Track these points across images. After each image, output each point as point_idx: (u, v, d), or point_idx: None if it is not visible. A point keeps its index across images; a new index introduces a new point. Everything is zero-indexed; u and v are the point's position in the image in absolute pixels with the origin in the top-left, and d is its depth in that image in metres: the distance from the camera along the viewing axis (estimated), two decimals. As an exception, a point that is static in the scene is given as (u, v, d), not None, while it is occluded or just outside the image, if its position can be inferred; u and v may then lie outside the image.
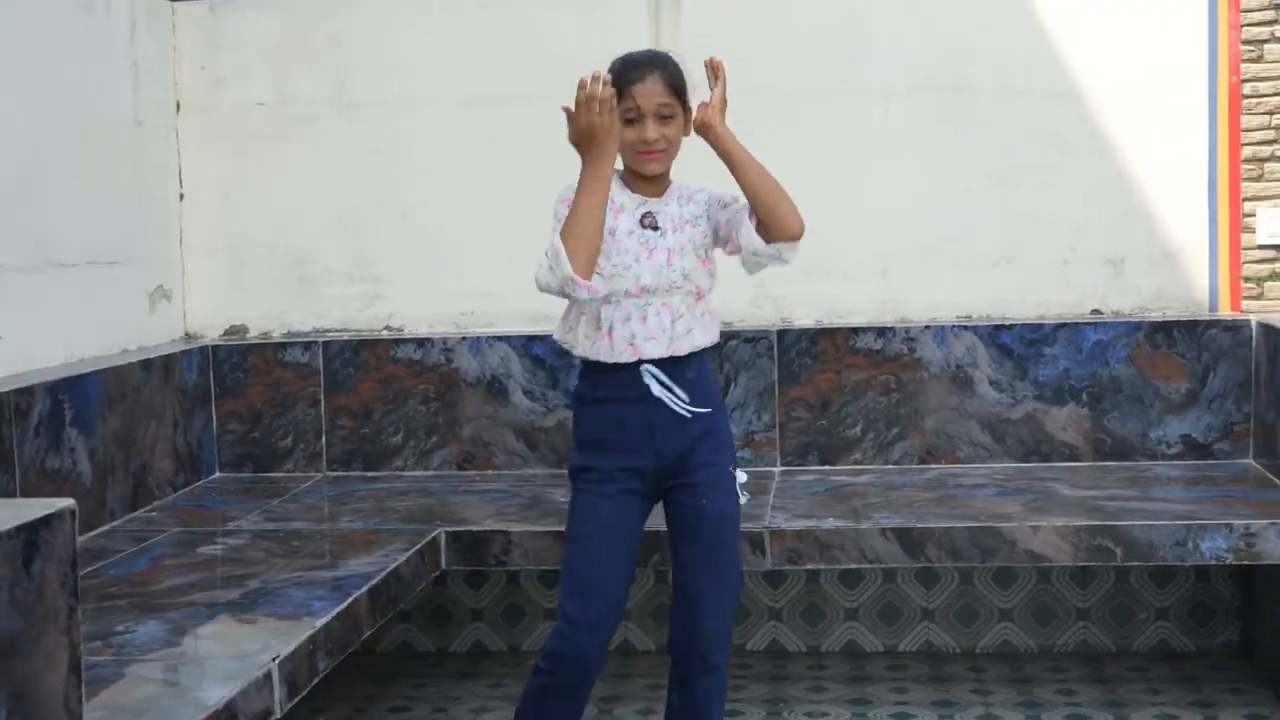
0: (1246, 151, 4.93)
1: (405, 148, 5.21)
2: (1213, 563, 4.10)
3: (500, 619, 5.14)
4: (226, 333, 5.28)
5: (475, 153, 5.18)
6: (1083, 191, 5.02)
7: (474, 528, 4.28)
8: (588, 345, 3.54)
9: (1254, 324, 4.84)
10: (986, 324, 4.96)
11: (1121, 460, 4.90)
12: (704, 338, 3.57)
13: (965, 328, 4.95)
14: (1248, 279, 4.96)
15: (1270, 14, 4.90)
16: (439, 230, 5.21)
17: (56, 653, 2.14)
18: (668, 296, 3.52)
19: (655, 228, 3.54)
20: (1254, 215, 4.94)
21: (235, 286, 5.28)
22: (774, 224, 3.48)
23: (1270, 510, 4.18)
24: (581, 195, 3.43)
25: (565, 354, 4.92)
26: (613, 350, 3.50)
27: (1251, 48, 4.91)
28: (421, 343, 5.10)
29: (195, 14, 5.23)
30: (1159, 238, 5.00)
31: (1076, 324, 4.93)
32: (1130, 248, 5.02)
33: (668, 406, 3.51)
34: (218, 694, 2.78)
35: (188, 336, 5.26)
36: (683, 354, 3.52)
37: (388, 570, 3.76)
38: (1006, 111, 5.02)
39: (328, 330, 5.25)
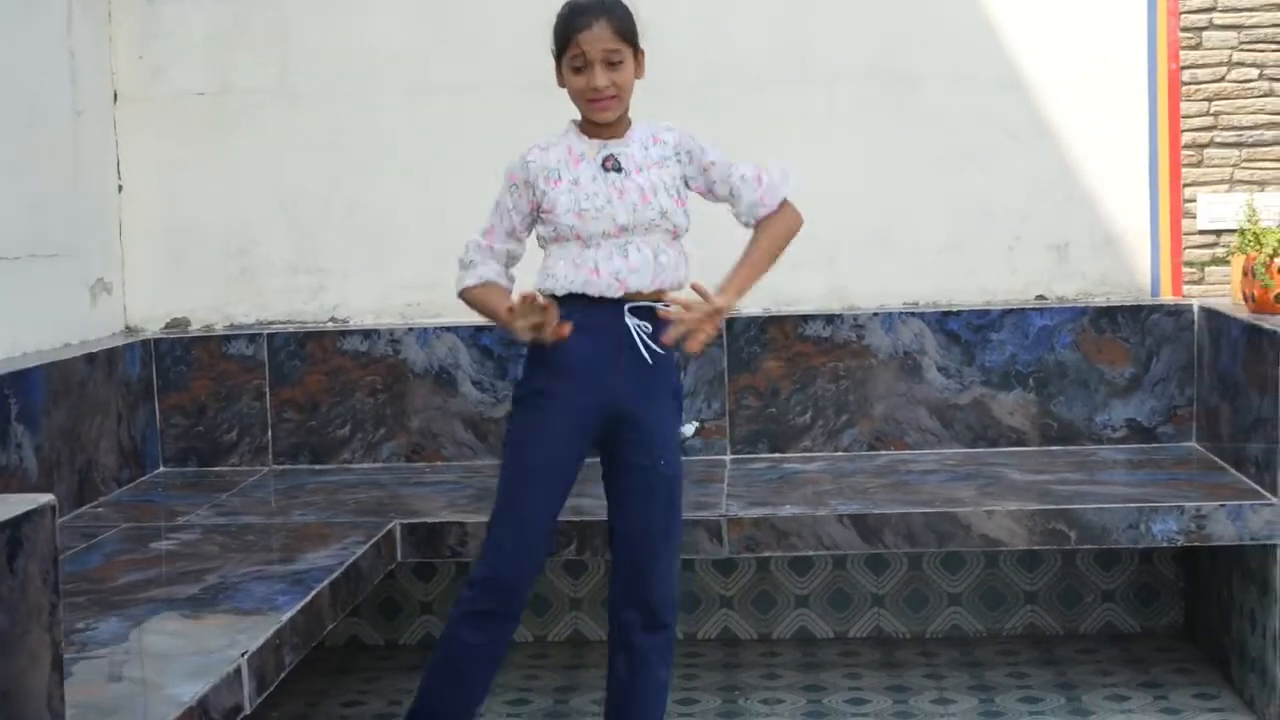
0: (1186, 138, 4.98)
1: (350, 137, 5.15)
2: (1164, 545, 4.16)
3: (450, 610, 5.09)
4: (168, 325, 5.20)
5: (422, 142, 5.14)
6: (1027, 178, 5.05)
7: (429, 519, 4.25)
8: (572, 280, 3.50)
9: (1196, 308, 4.89)
10: (934, 310, 4.98)
11: (1067, 444, 4.95)
12: (682, 274, 3.58)
13: (913, 314, 4.98)
14: (1189, 264, 5.02)
15: (1208, 1, 4.96)
16: (385, 220, 5.16)
17: (40, 651, 2.10)
18: (646, 234, 3.51)
19: (618, 169, 3.52)
20: (1194, 201, 4.99)
21: (176, 278, 5.20)
22: None
23: (1218, 493, 4.23)
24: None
25: (514, 344, 4.94)
26: (600, 284, 3.49)
27: (1190, 35, 4.96)
28: (368, 334, 5.06)
29: (132, 2, 5.13)
30: (1102, 224, 5.05)
31: (1023, 310, 4.97)
32: (1074, 234, 5.06)
33: (637, 350, 3.50)
34: (190, 690, 2.73)
35: (128, 330, 5.18)
36: (667, 287, 3.53)
37: (347, 563, 3.73)
38: (952, 99, 5.05)
39: (272, 322, 5.18)
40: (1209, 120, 4.98)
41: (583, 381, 3.51)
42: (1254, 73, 4.96)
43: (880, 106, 5.07)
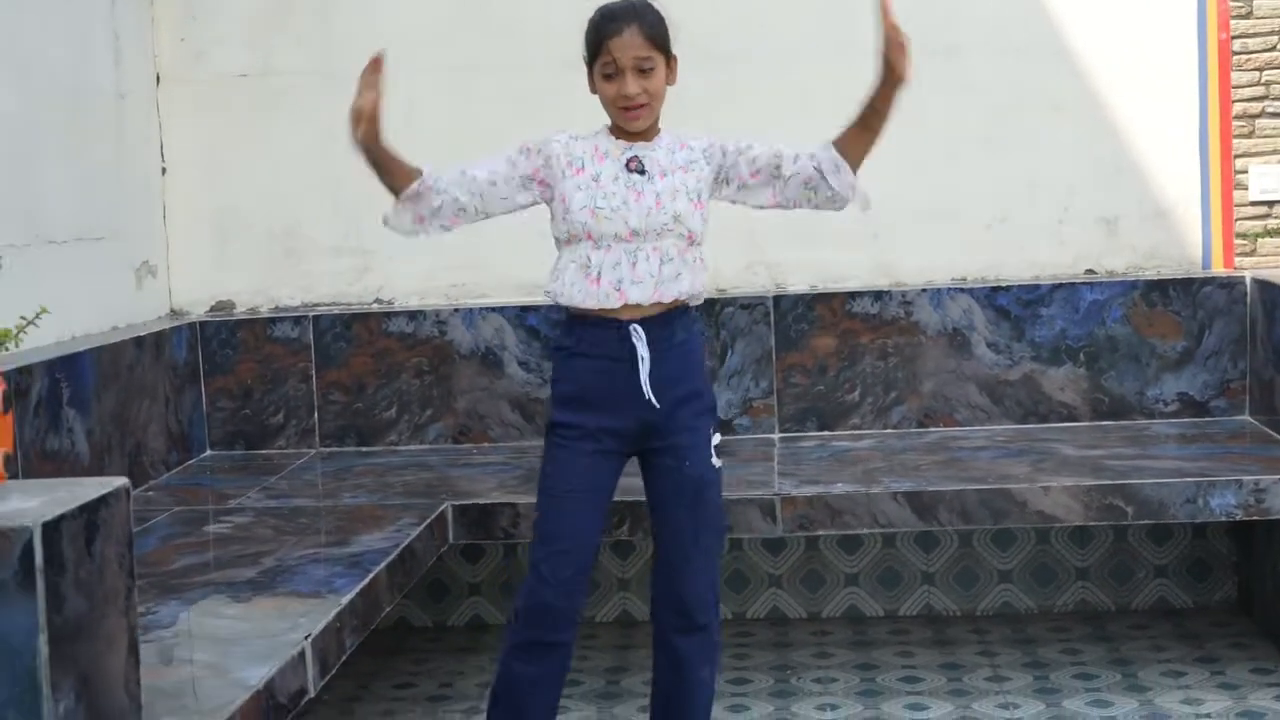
0: (1237, 108, 4.94)
1: (392, 117, 5.06)
2: (1223, 519, 4.12)
3: (499, 592, 5.09)
4: (213, 308, 5.19)
5: (464, 121, 5.11)
6: (1075, 150, 5.01)
7: (480, 501, 4.23)
8: (574, 292, 3.44)
9: (1249, 280, 4.85)
10: (982, 286, 4.95)
11: (1119, 419, 4.91)
12: (692, 283, 3.48)
13: (961, 290, 4.94)
14: (1240, 235, 4.97)
15: (1259, -31, 4.91)
16: (428, 201, 5.13)
17: (117, 635, 2.09)
18: (658, 240, 3.43)
19: (641, 171, 3.45)
20: (1246, 172, 4.95)
21: (220, 261, 5.20)
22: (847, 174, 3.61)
23: (1277, 466, 4.19)
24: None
25: (558, 324, 4.91)
26: (598, 295, 3.41)
27: (1240, 3, 4.92)
28: (414, 315, 5.04)
29: (174, -17, 5.13)
30: (1152, 196, 5.01)
31: (1072, 284, 4.92)
32: (1123, 206, 5.02)
33: (652, 365, 3.42)
34: (256, 674, 2.73)
35: (173, 313, 5.18)
36: (668, 300, 3.43)
37: (402, 546, 3.71)
38: (997, 70, 5.01)
39: (317, 304, 5.17)
40: (1260, 90, 4.93)
41: (600, 410, 3.45)
42: (1305, 42, 4.91)
43: (924, 78, 4.97)
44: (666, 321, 3.45)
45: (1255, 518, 4.11)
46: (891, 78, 3.53)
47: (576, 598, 3.47)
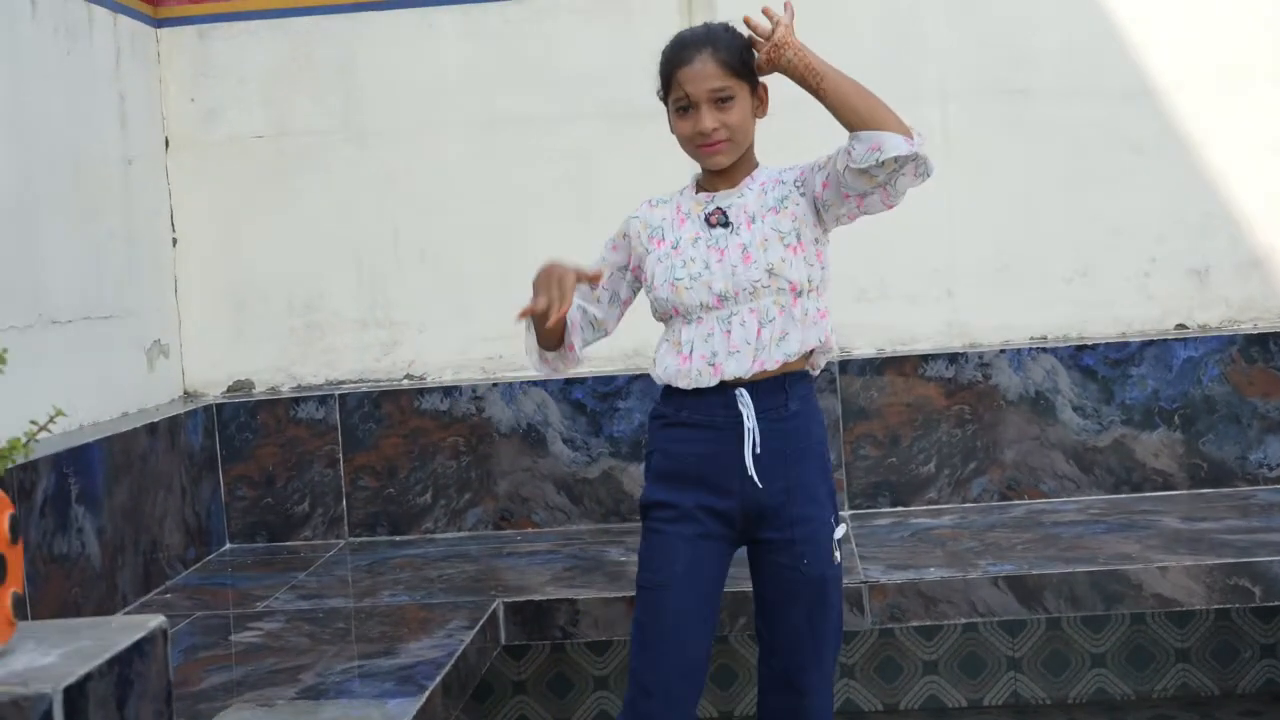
0: (1335, 146, 4.57)
1: (420, 179, 4.76)
2: (1361, 599, 3.72)
3: (545, 690, 4.67)
4: (230, 389, 4.80)
5: (496, 180, 4.74)
6: (1160, 196, 4.64)
7: (535, 597, 3.82)
8: (663, 371, 3.05)
9: (1356, 332, 4.47)
10: (1065, 345, 4.56)
11: (1219, 487, 4.52)
12: (801, 343, 3.02)
13: (1043, 349, 4.55)
14: (1342, 284, 4.60)
15: (1354, -2, 4.55)
16: (460, 267, 4.75)
17: (155, 812, 1.68)
18: (753, 300, 2.99)
19: (725, 224, 3.03)
20: (1345, 216, 4.58)
21: (237, 338, 4.80)
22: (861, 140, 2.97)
23: None
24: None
25: (608, 397, 4.54)
26: (691, 373, 3.00)
27: (1336, 35, 4.56)
28: (448, 391, 4.64)
29: (182, 40, 4.76)
30: (1245, 243, 4.64)
31: (1164, 340, 4.54)
32: (1214, 255, 4.65)
33: (761, 439, 3.00)
34: (310, 827, 2.32)
35: (187, 395, 4.78)
36: (773, 368, 3.00)
37: (456, 654, 3.31)
38: (1074, 112, 4.65)
39: (342, 382, 4.78)
40: (1359, 126, 4.57)
41: (700, 487, 3.03)
42: (1407, 73, 4.55)
43: (997, 124, 4.67)
44: (778, 388, 3.02)
45: (1396, 596, 3.71)
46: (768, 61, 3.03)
47: (684, 710, 3.02)
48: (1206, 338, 4.54)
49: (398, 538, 4.63)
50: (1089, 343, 4.57)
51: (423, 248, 4.75)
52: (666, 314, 3.06)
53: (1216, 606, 3.84)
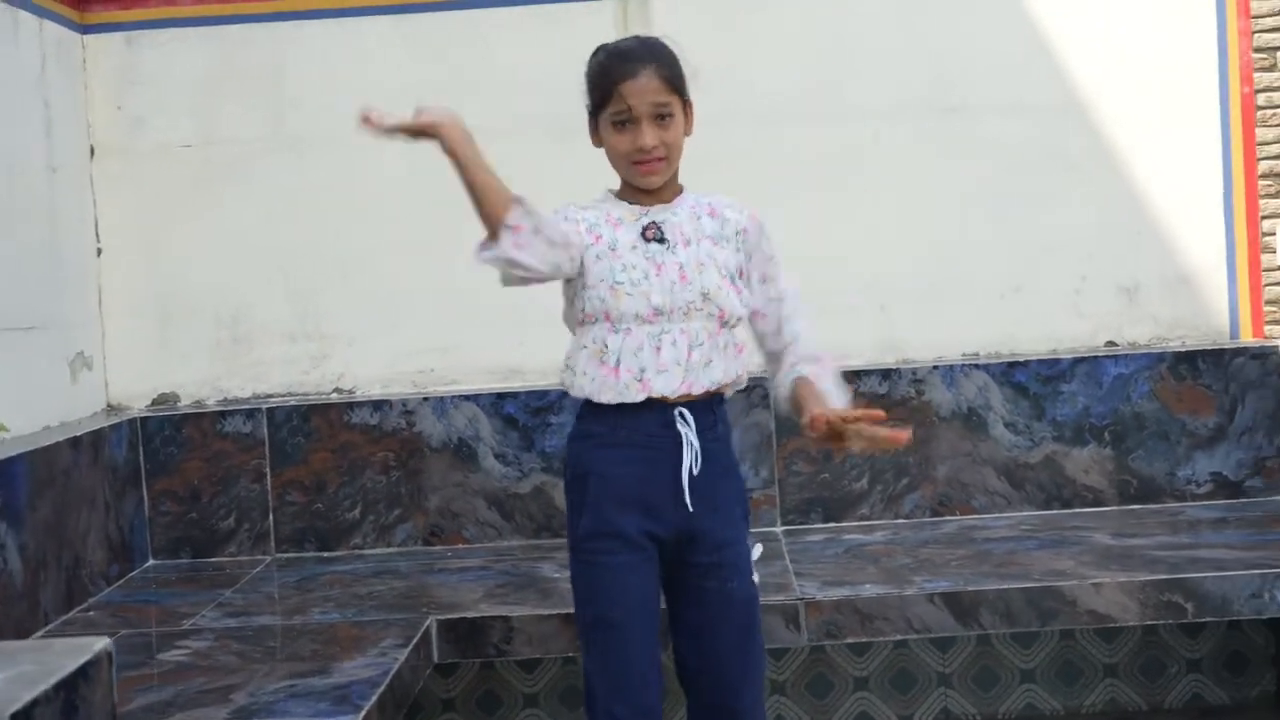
0: (1263, 166, 4.62)
1: (351, 190, 4.70)
2: (1292, 615, 3.75)
3: (475, 709, 4.61)
4: (154, 402, 4.71)
5: (429, 192, 4.65)
6: (1091, 214, 4.67)
7: (469, 614, 3.77)
8: (587, 383, 2.97)
9: (1283, 350, 4.52)
10: (998, 361, 4.57)
11: (1148, 503, 4.54)
12: (724, 372, 2.99)
13: (975, 366, 4.56)
14: (1269, 302, 4.63)
15: (1282, 19, 4.61)
16: (391, 279, 4.70)
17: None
18: (685, 321, 2.95)
19: (660, 240, 2.98)
20: (1274, 234, 4.62)
21: (162, 350, 4.71)
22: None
23: (1346, 554, 3.83)
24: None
25: (541, 412, 4.50)
26: (617, 387, 2.94)
27: (1264, 55, 4.60)
28: (378, 405, 4.58)
29: (109, 46, 4.67)
30: (1174, 261, 4.67)
31: (1094, 357, 4.56)
32: (1144, 273, 4.67)
33: (699, 459, 2.96)
34: None
35: (111, 408, 4.69)
36: (698, 392, 2.96)
37: (391, 672, 3.25)
38: (1007, 130, 4.66)
39: (270, 396, 4.70)
40: (1287, 146, 4.62)
41: (640, 511, 2.97)
42: (1333, 95, 4.60)
43: (930, 140, 4.67)
44: (707, 409, 3.00)
45: (1327, 612, 3.74)
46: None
47: None
48: (1136, 355, 4.56)
49: (326, 554, 4.56)
50: (1021, 359, 4.58)
51: (353, 259, 4.69)
52: (592, 317, 2.98)
53: (1149, 622, 3.85)
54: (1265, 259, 4.63)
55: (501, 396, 4.56)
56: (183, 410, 4.64)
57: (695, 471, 2.96)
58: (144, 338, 4.71)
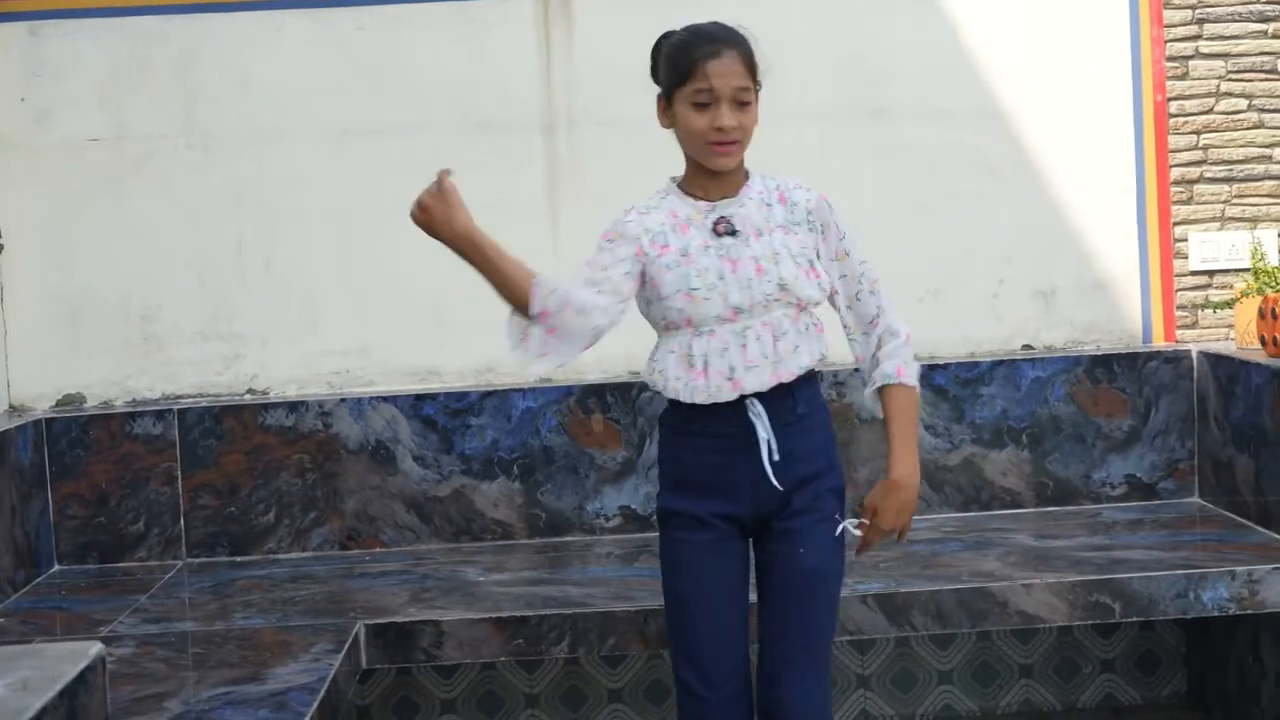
0: (1175, 174, 4.68)
1: (266, 187, 4.60)
2: (1215, 614, 3.79)
3: (392, 715, 4.54)
4: (59, 403, 4.57)
5: (346, 190, 4.60)
6: (1009, 218, 4.70)
7: (398, 619, 3.70)
8: (679, 387, 3.02)
9: (1194, 354, 4.58)
10: (918, 364, 4.56)
11: (1065, 505, 4.58)
12: (810, 355, 3.05)
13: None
14: (1181, 307, 4.70)
15: (1193, 29, 4.67)
16: (307, 279, 4.60)
17: None
18: (766, 314, 2.99)
19: (732, 233, 3.01)
20: (1185, 240, 4.69)
21: (68, 349, 4.57)
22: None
23: (1267, 554, 3.89)
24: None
25: (460, 414, 4.44)
26: (709, 388, 2.99)
27: (1176, 64, 4.67)
28: (294, 407, 4.48)
29: (13, 37, 4.52)
30: (1090, 266, 4.71)
31: (1013, 361, 4.60)
32: (1061, 278, 4.72)
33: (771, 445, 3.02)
34: None
35: (14, 409, 4.54)
36: (789, 380, 3.01)
37: (328, 678, 3.17)
38: (929, 134, 4.67)
39: (181, 397, 4.59)
40: (1198, 154, 4.68)
41: (715, 495, 3.04)
42: (1243, 103, 4.68)
43: (851, 144, 4.67)
44: (786, 394, 3.02)
45: (1249, 610, 3.79)
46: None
47: (744, 706, 3.05)
48: (1053, 358, 4.61)
49: (239, 558, 4.45)
50: (941, 362, 4.60)
51: (268, 258, 4.58)
52: (675, 324, 3.02)
53: (1077, 623, 3.88)
54: (1178, 264, 4.69)
55: (420, 398, 4.49)
56: (90, 411, 4.51)
57: (775, 458, 3.00)
58: (49, 337, 4.56)
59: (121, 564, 4.42)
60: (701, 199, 3.06)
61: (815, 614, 3.07)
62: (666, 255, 3.01)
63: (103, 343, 4.57)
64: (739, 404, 3.00)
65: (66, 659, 1.50)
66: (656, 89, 4.47)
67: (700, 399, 3.00)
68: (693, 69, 2.97)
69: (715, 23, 3.07)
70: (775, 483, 3.01)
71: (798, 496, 3.05)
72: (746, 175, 3.10)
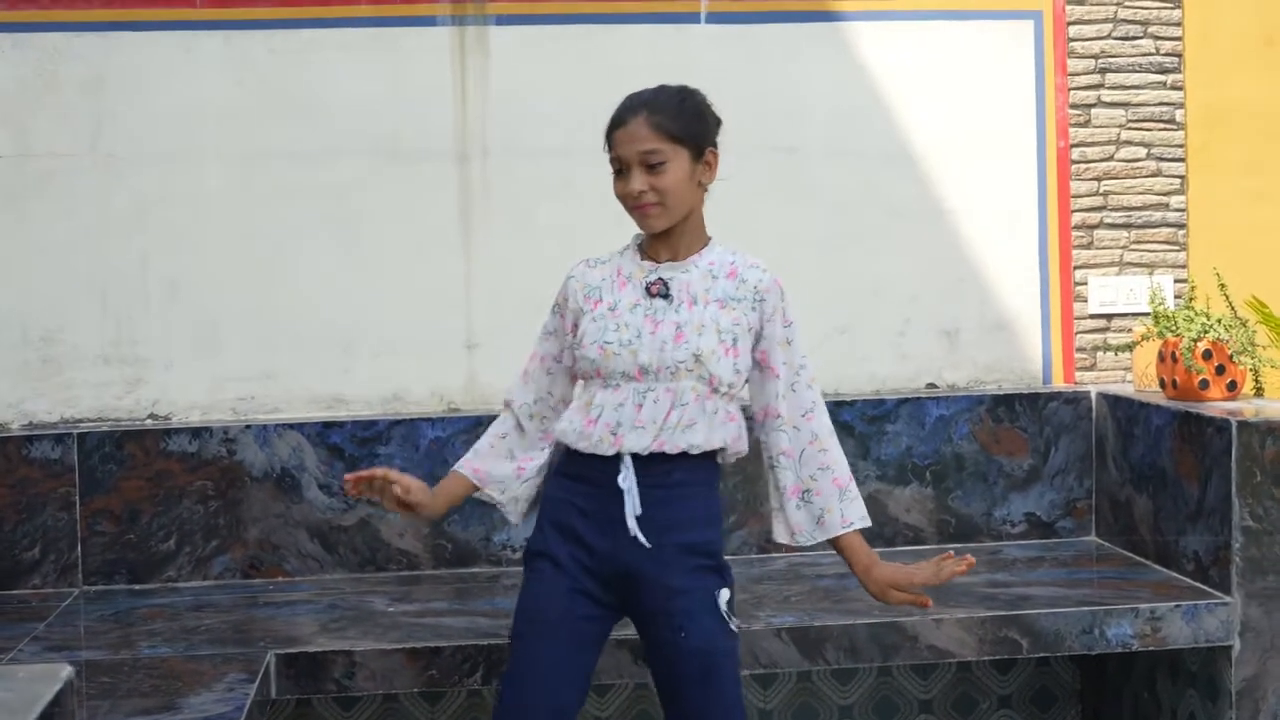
0: (1076, 218, 4.79)
1: (172, 209, 4.52)
2: (1118, 650, 3.86)
3: (291, 748, 4.47)
4: (-47, 425, 4.46)
5: (255, 214, 4.55)
6: (914, 258, 4.77)
7: (309, 649, 3.65)
8: (567, 429, 3.06)
9: (1094, 395, 4.67)
10: (825, 400, 4.60)
11: (966, 541, 4.64)
12: (706, 438, 3.03)
13: (804, 405, 4.60)
14: (1080, 349, 4.80)
15: (1096, 78, 4.78)
16: (213, 303, 4.53)
17: None
18: (672, 381, 3.00)
19: (665, 295, 3.03)
20: (1085, 284, 4.79)
21: (-38, 370, 4.46)
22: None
23: (1167, 592, 3.98)
24: None
25: (368, 442, 4.41)
26: (591, 437, 3.02)
27: (1079, 112, 4.78)
28: (198, 433, 4.41)
29: (-86, 50, 4.43)
30: (992, 307, 4.80)
31: (918, 399, 4.66)
32: (964, 318, 4.79)
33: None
34: None
35: (-95, 431, 4.42)
36: (672, 452, 3.00)
37: (245, 708, 3.12)
38: (835, 173, 4.73)
39: (80, 420, 4.49)
40: (1099, 200, 4.79)
41: (578, 542, 3.04)
42: (1142, 151, 4.80)
43: (759, 182, 4.70)
44: (666, 462, 3.02)
45: (1151, 647, 3.87)
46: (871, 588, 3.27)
47: None
48: (957, 397, 4.67)
49: (137, 586, 4.36)
50: (847, 399, 4.65)
51: (173, 281, 4.51)
52: (588, 374, 3.06)
53: (986, 658, 3.93)
54: (1077, 307, 4.79)
55: (328, 425, 4.44)
56: (-15, 434, 4.40)
57: (639, 512, 2.98)
58: (-57, 357, 4.45)
59: (14, 591, 4.30)
60: (649, 259, 3.10)
61: (715, 696, 3.01)
62: (596, 309, 3.07)
63: (0, 364, 4.46)
64: (612, 460, 3.01)
65: (40, 680, 1.47)
66: (572, 122, 4.53)
67: (581, 446, 3.03)
68: (607, 139, 3.07)
69: (654, 89, 3.11)
70: (639, 535, 2.98)
71: (674, 573, 3.01)
72: (707, 242, 3.13)
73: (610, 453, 3.00)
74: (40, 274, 4.47)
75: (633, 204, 3.03)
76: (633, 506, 2.98)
